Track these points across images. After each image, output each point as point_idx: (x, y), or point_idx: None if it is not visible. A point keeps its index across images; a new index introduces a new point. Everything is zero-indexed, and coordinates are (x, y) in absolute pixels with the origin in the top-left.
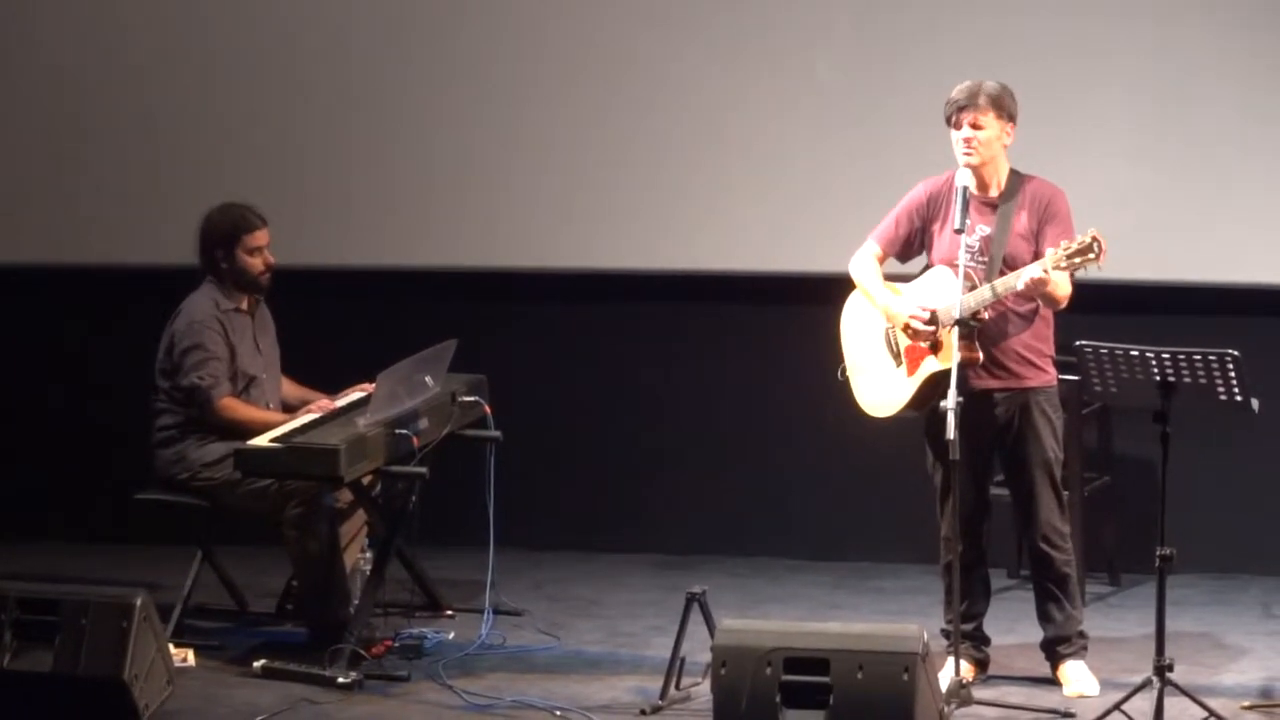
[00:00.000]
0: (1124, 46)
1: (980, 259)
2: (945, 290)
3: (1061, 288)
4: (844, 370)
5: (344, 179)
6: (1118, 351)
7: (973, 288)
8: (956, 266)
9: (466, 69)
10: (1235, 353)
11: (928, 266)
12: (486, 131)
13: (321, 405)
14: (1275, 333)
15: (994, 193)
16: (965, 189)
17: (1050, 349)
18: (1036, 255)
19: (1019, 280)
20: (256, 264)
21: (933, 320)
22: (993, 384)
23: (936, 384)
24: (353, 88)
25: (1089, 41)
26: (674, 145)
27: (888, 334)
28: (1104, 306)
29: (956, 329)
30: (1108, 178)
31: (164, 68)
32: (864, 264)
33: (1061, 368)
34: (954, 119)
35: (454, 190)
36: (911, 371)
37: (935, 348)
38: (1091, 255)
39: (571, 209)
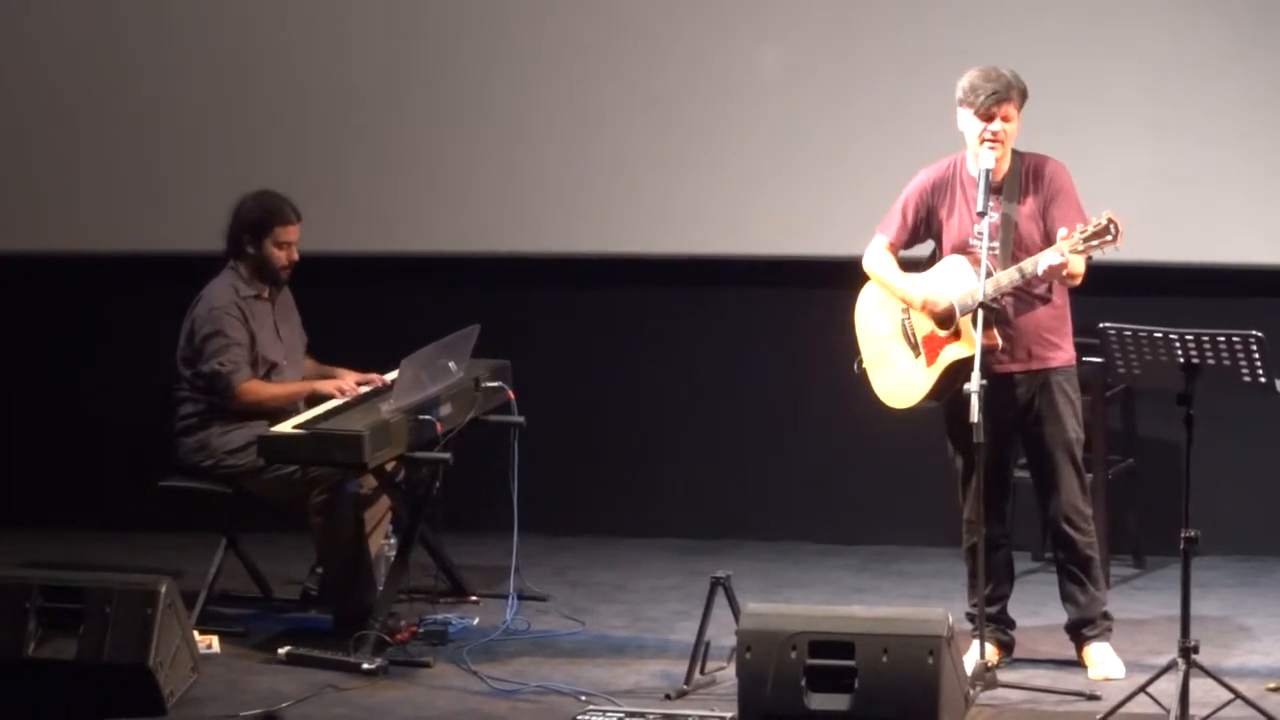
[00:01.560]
0: (1144, 25)
1: (991, 244)
2: (961, 278)
3: (1077, 267)
4: (860, 363)
5: (370, 166)
6: (1141, 333)
7: (989, 273)
8: (970, 253)
9: (482, 55)
10: (1259, 334)
11: (933, 254)
12: (503, 118)
13: (340, 385)
14: None
15: (999, 176)
16: (988, 172)
17: (1068, 328)
18: (1046, 234)
19: (1037, 266)
20: (281, 257)
21: (950, 310)
22: (1013, 366)
23: (956, 373)
24: (372, 75)
25: (1109, 20)
26: (702, 131)
27: (904, 325)
28: (1127, 288)
29: (980, 313)
30: (1130, 158)
31: (176, 56)
32: (878, 257)
33: (1085, 350)
34: (985, 110)
35: (480, 176)
36: (931, 361)
37: (954, 336)
38: (1109, 237)
39: (599, 195)
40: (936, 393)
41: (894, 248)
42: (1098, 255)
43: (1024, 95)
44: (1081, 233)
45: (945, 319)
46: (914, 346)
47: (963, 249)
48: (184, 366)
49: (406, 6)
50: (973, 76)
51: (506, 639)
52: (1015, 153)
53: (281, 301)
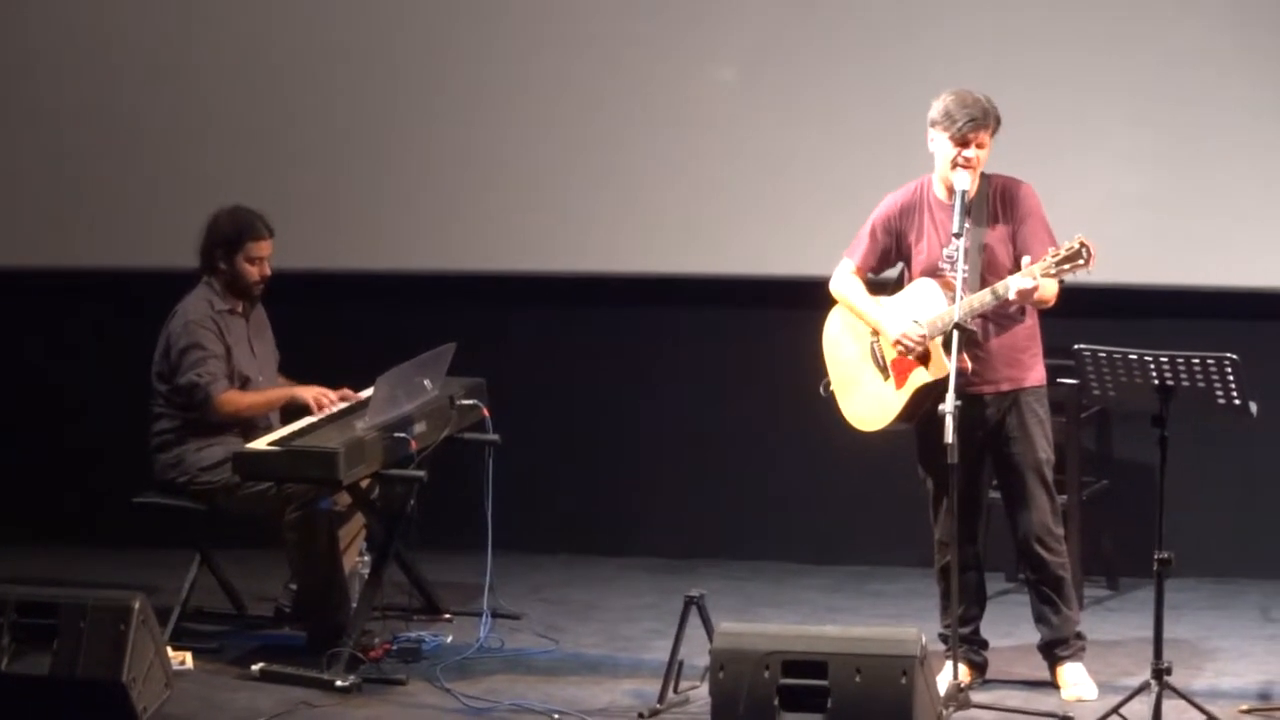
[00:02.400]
0: (1124, 50)
1: (963, 267)
2: (930, 302)
3: (1048, 290)
4: (827, 385)
5: (340, 183)
6: (1116, 355)
7: (957, 297)
8: (939, 276)
9: (462, 74)
10: (1234, 356)
11: (901, 276)
12: (482, 136)
13: (317, 393)
14: (1274, 336)
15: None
16: (964, 193)
17: (1039, 347)
18: (1015, 257)
19: (1009, 290)
20: (253, 272)
21: (922, 340)
22: (983, 387)
23: (925, 395)
24: (350, 91)
25: (1090, 43)
26: (679, 150)
27: (873, 348)
28: (1102, 310)
29: (956, 334)
30: (1107, 182)
31: (156, 72)
32: (845, 281)
33: (1059, 371)
34: (961, 136)
35: (452, 194)
36: (900, 384)
37: (924, 359)
38: (1080, 261)
39: (569, 213)
40: (906, 415)
41: (861, 272)
42: (1069, 278)
43: (999, 122)
44: (1054, 256)
45: (922, 358)
46: (883, 369)
47: (932, 272)
48: (159, 382)
49: (389, 26)
50: (948, 101)
51: (480, 657)
52: (983, 175)
53: (255, 318)
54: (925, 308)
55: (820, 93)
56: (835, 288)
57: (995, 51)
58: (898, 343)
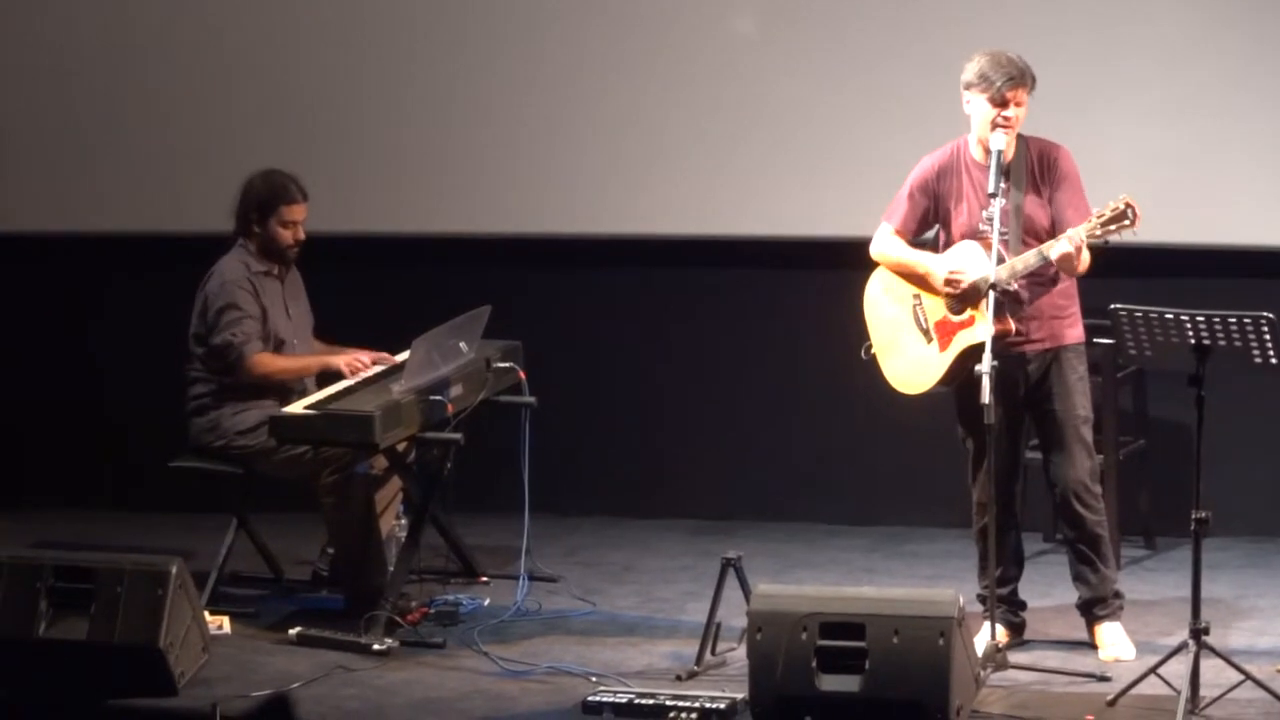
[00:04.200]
0: (1158, 7)
1: (1002, 230)
2: (976, 263)
3: (1085, 257)
4: (869, 348)
5: (377, 145)
6: (1152, 315)
7: (1001, 259)
8: (981, 238)
9: (493, 38)
10: (1270, 315)
11: (937, 239)
12: (521, 99)
13: (351, 361)
14: None
15: (1006, 160)
16: (999, 153)
17: (1077, 305)
18: (1053, 220)
19: (1053, 251)
20: (286, 236)
21: (974, 288)
22: (1024, 346)
23: (969, 357)
24: (377, 54)
25: (1123, 2)
26: (716, 112)
27: (915, 311)
28: (1139, 270)
29: (993, 295)
30: (1142, 140)
31: (185, 37)
32: (888, 242)
33: (1096, 331)
34: (999, 96)
35: (488, 156)
36: (944, 347)
37: (968, 322)
38: (1126, 221)
39: (607, 174)
40: (949, 378)
41: (901, 234)
42: (1114, 239)
43: (1034, 81)
44: (1099, 217)
45: (970, 295)
46: (926, 332)
47: (973, 235)
48: (196, 345)
49: None
50: (983, 62)
51: (517, 620)
52: (1020, 137)
53: (291, 281)
54: (973, 268)
55: (840, 52)
56: (877, 249)
57: (1022, 7)
58: (948, 281)
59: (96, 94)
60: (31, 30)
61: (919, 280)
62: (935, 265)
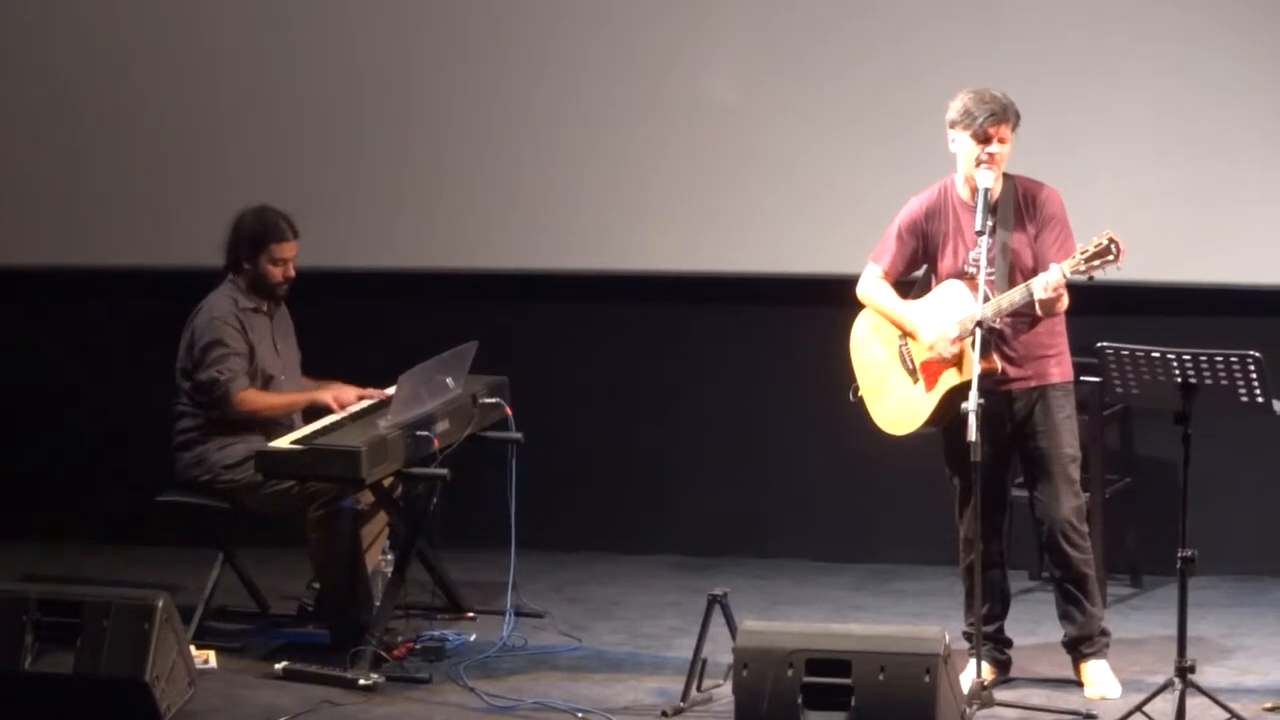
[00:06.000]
0: (1148, 43)
1: (989, 269)
2: (960, 303)
3: (1064, 298)
4: (856, 390)
5: (363, 181)
6: (1139, 353)
7: (987, 297)
8: (967, 277)
9: (481, 73)
10: (1256, 354)
11: (926, 276)
12: (510, 134)
13: (338, 396)
14: None
15: (993, 198)
16: (986, 190)
17: (1064, 344)
18: (1037, 260)
19: (1037, 284)
20: (276, 273)
21: (959, 345)
22: (1010, 384)
23: (955, 398)
24: (369, 90)
25: (1111, 40)
26: (702, 149)
27: (902, 351)
28: (1125, 308)
29: (979, 333)
30: (1130, 178)
31: (176, 71)
32: (874, 286)
33: (1083, 369)
34: (982, 132)
35: (472, 192)
36: (930, 387)
37: (955, 361)
38: (1110, 257)
39: (594, 210)
40: (936, 418)
41: (888, 276)
42: (1098, 275)
43: (1018, 118)
44: (1083, 253)
45: (955, 361)
46: (912, 373)
47: (960, 274)
48: (183, 379)
49: (405, 24)
50: (966, 100)
51: (503, 655)
52: (1007, 176)
53: (280, 317)
54: (955, 310)
55: (835, 90)
56: (864, 292)
57: (1016, 44)
58: (932, 347)
59: (81, 127)
60: (21, 64)
61: (905, 333)
62: (923, 328)
